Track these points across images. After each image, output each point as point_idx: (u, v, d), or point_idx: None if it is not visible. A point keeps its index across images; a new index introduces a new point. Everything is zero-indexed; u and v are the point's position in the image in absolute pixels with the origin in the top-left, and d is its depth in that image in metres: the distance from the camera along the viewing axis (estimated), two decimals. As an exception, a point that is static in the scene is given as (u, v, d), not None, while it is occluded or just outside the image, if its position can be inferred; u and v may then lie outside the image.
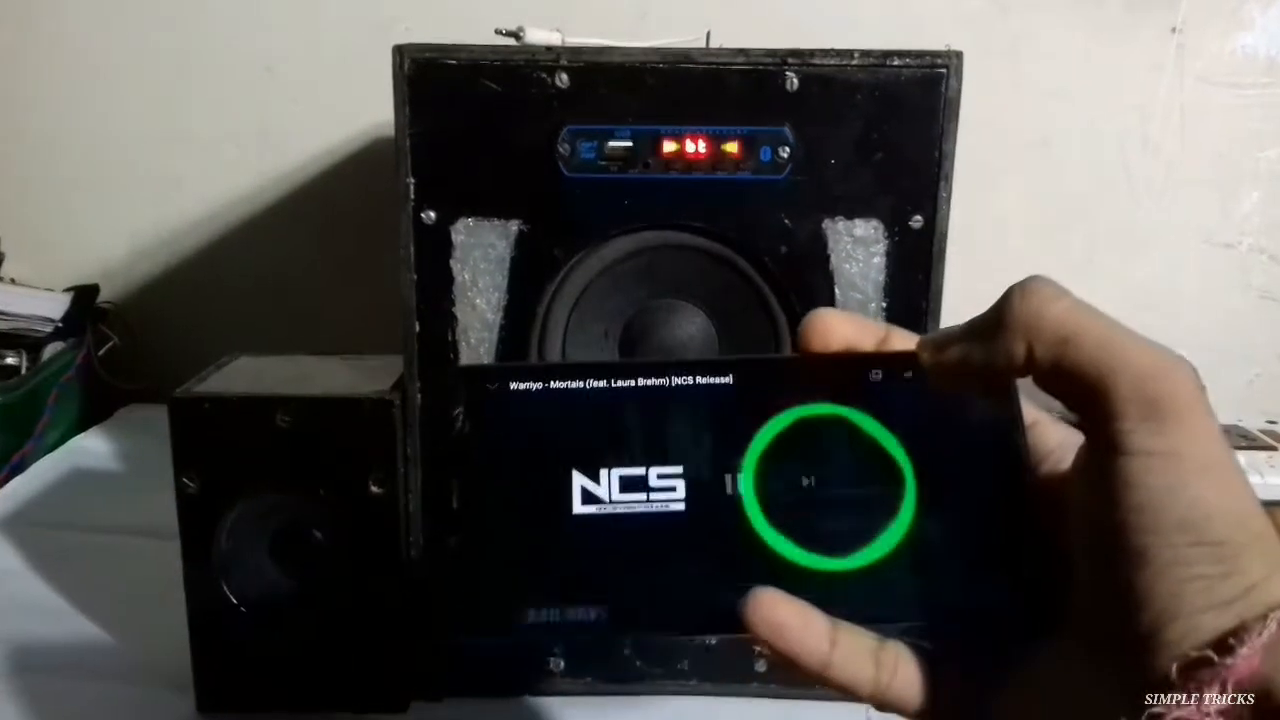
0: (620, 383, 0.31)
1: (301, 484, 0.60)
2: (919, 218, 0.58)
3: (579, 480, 0.30)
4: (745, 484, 0.30)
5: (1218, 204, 1.07)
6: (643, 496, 0.30)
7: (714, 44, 0.67)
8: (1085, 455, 0.29)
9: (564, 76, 0.56)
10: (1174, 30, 1.03)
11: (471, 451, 0.30)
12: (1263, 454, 0.84)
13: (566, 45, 0.61)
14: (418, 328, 0.60)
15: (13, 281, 1.12)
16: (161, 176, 1.15)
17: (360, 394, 0.61)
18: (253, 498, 0.61)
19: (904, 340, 0.33)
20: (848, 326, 0.33)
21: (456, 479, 0.31)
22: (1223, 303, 1.09)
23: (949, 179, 0.58)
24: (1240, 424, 0.90)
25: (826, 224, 0.58)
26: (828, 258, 0.59)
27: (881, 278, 0.59)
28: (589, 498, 0.30)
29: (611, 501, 0.30)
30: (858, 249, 0.59)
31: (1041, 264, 1.19)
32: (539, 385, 0.31)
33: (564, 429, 0.31)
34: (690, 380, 0.31)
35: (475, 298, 0.60)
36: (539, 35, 0.64)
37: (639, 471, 0.30)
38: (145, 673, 0.68)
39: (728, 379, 0.31)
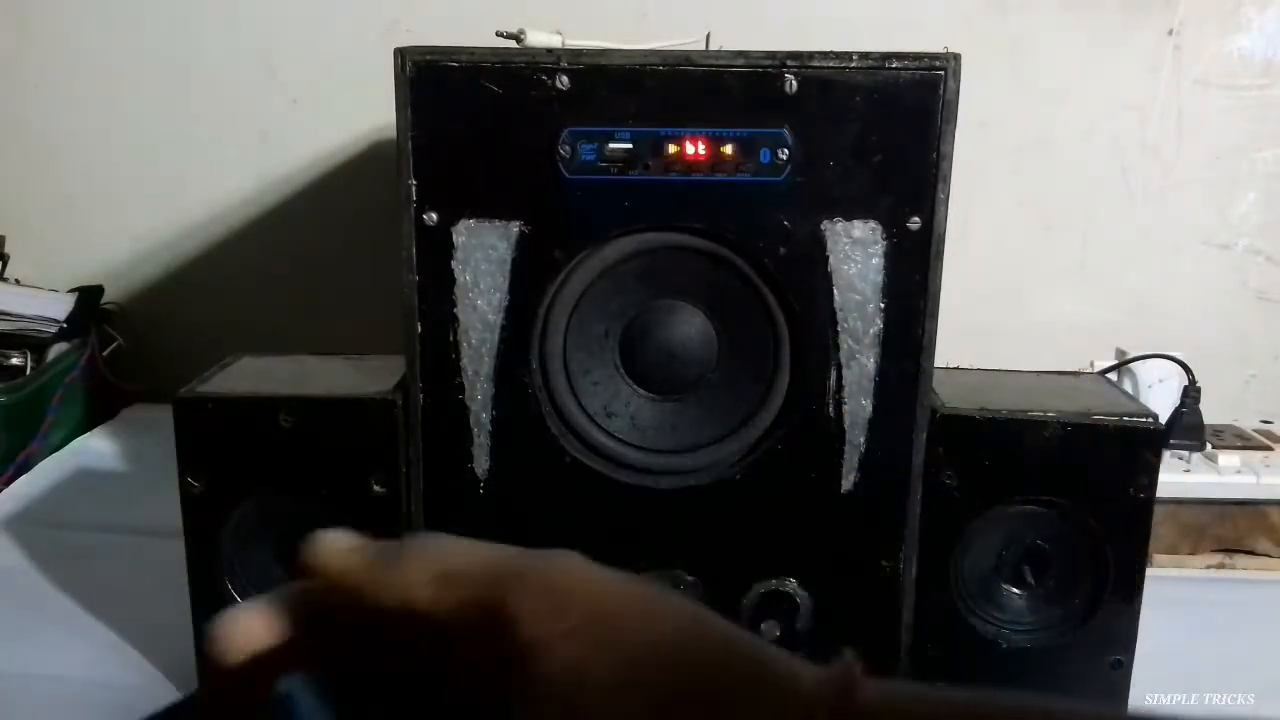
0: None
1: (304, 484, 0.61)
2: (917, 219, 0.59)
3: None
4: None
5: (1214, 205, 1.08)
6: None
7: (713, 46, 0.68)
8: None
9: (564, 79, 0.57)
10: (1171, 32, 1.04)
11: None
12: (1258, 454, 0.84)
13: (567, 48, 0.61)
14: (419, 328, 0.60)
15: (17, 282, 1.13)
16: (164, 178, 1.15)
17: (362, 394, 0.62)
18: (256, 497, 0.61)
19: None
20: (261, 625, 0.23)
21: None
22: (1219, 303, 1.09)
23: (947, 180, 0.58)
24: (1236, 424, 0.90)
25: (825, 225, 0.59)
26: (826, 259, 0.59)
27: (880, 278, 0.60)
28: None
29: None
30: (856, 250, 0.59)
31: (1039, 264, 1.19)
32: None
33: None
34: None
35: (476, 299, 0.60)
36: (539, 38, 0.65)
37: None
38: (149, 671, 0.69)
39: None
